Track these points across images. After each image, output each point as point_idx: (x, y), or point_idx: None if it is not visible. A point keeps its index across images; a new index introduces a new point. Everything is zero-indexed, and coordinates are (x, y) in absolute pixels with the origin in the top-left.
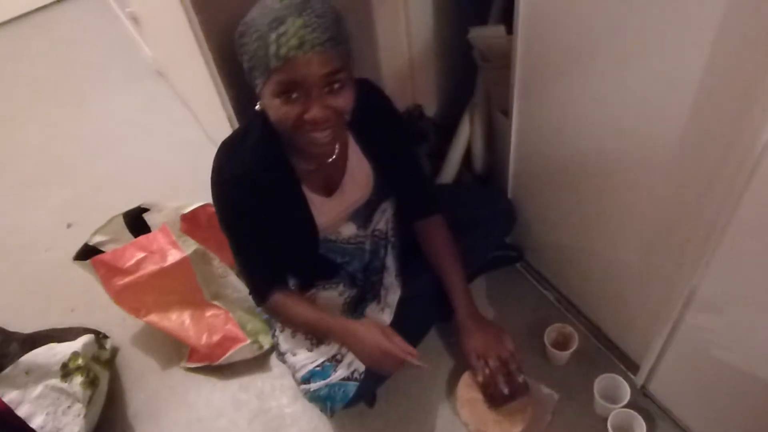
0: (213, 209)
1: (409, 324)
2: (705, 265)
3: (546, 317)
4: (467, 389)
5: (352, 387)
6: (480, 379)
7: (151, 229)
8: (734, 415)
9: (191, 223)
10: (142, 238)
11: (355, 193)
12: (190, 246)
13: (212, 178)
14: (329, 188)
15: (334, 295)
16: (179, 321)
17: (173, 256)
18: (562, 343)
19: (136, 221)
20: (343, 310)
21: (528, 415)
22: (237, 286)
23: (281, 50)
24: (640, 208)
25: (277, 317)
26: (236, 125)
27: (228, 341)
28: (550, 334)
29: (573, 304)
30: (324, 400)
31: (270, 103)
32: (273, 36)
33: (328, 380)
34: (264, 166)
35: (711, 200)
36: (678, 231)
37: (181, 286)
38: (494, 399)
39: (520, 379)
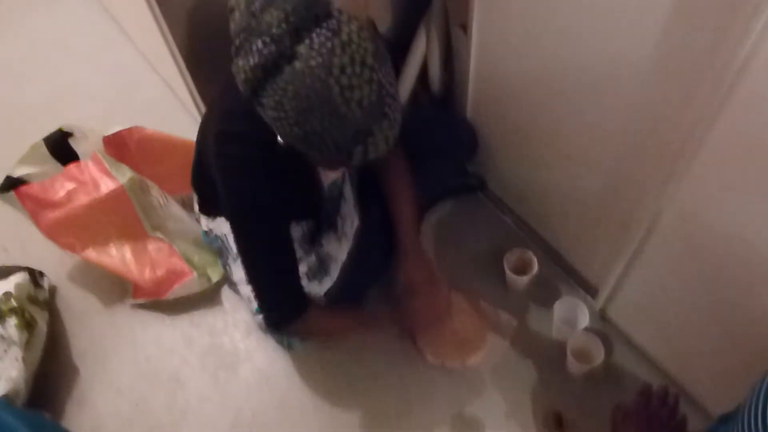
0: (141, 134)
1: (369, 256)
2: (671, 190)
3: (506, 243)
4: None
5: None
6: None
7: (80, 158)
8: (689, 339)
9: (117, 147)
10: (71, 167)
11: None
12: (125, 174)
13: (215, 146)
14: None
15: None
16: (119, 256)
17: (107, 185)
18: (521, 269)
19: (61, 148)
20: (301, 242)
21: (487, 342)
22: (179, 216)
23: (369, 155)
24: (606, 128)
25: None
26: (174, 49)
27: (173, 275)
28: (509, 259)
29: (533, 230)
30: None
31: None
32: (359, 148)
33: None
34: (271, 139)
35: (682, 120)
36: (645, 153)
37: (118, 218)
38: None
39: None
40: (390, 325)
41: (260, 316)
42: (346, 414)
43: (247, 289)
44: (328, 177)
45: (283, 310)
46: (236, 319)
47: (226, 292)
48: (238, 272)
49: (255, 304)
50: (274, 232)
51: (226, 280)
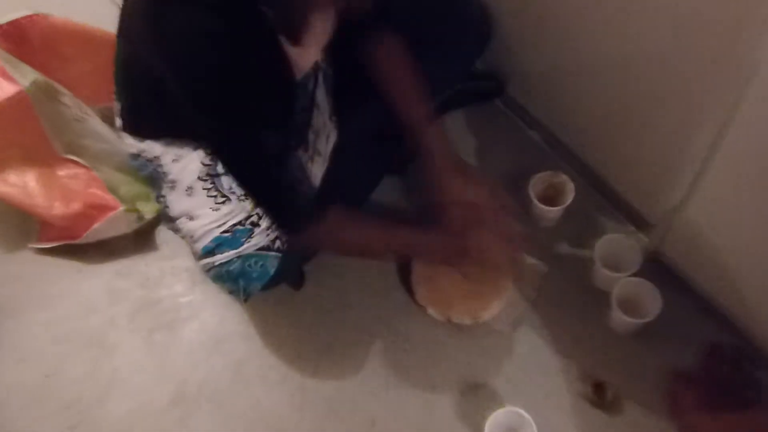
0: (47, 23)
1: (350, 179)
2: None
3: (532, 164)
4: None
5: (273, 260)
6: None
7: None
8: None
9: (15, 41)
10: None
11: (326, 31)
12: (27, 75)
13: (152, 22)
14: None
15: None
16: (21, 184)
17: (3, 89)
18: (552, 197)
19: None
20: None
21: (506, 291)
22: (101, 134)
23: None
24: None
25: (328, 244)
26: None
27: (93, 210)
28: (536, 185)
29: (567, 147)
30: (235, 279)
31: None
32: None
33: (240, 249)
34: (227, 14)
35: None
36: (722, 19)
37: (18, 133)
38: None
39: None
40: (429, 246)
41: (209, 260)
42: (322, 385)
43: (190, 225)
44: (304, 63)
45: (294, 216)
46: (177, 268)
47: (163, 232)
48: (178, 204)
49: (200, 245)
50: (257, 116)
51: (163, 217)
